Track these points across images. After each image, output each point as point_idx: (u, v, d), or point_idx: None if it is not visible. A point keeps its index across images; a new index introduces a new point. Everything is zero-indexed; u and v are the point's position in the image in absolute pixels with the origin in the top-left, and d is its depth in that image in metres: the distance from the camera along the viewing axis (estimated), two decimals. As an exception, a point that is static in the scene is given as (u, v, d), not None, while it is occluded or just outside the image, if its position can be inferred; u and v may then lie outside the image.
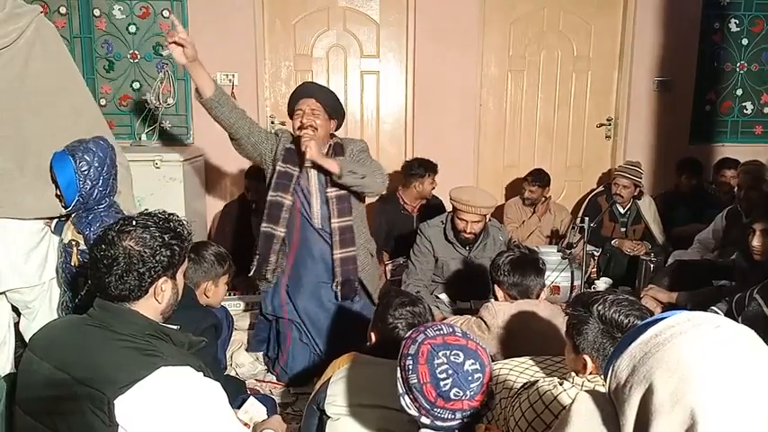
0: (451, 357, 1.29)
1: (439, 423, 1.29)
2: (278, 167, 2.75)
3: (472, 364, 1.29)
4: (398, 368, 1.35)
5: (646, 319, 1.45)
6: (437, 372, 1.27)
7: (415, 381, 1.29)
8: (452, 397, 1.26)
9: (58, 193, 2.28)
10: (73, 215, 2.31)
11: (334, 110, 2.81)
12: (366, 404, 1.74)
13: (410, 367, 1.31)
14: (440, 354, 1.29)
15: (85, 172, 2.22)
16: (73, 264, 2.28)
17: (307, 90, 2.82)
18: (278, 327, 2.94)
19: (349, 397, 1.76)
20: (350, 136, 4.66)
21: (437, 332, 1.35)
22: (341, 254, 2.77)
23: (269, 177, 2.82)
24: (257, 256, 2.80)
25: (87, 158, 2.23)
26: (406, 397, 1.32)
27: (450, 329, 1.37)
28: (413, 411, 1.32)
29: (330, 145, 2.81)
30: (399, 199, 4.14)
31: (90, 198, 2.24)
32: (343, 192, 2.77)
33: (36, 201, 2.31)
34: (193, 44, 2.46)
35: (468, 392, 1.27)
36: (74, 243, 2.28)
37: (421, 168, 4.05)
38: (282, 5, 4.49)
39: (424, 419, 1.30)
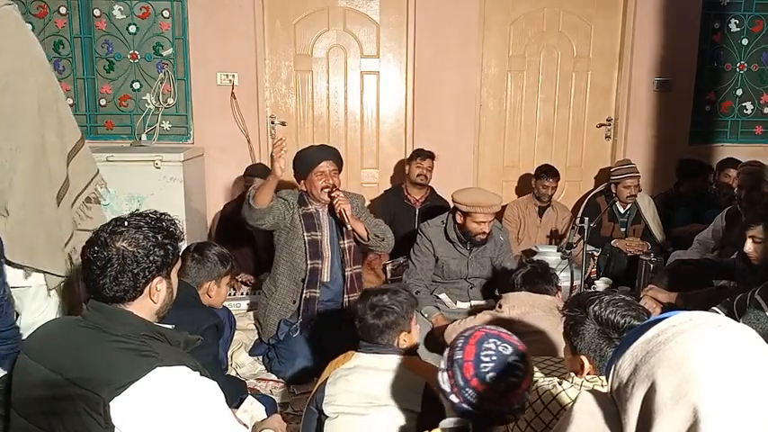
0: (500, 347, 1.34)
1: (465, 406, 1.32)
2: (306, 238, 2.91)
3: (517, 360, 1.33)
4: (448, 348, 1.40)
5: (642, 319, 1.46)
6: (482, 353, 1.33)
7: (459, 357, 1.34)
8: (487, 380, 1.29)
9: None
10: None
11: (341, 166, 3.03)
12: (363, 403, 1.75)
13: (459, 345, 1.37)
14: (491, 340, 1.35)
15: None
16: None
17: (326, 152, 3.02)
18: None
19: (346, 396, 1.76)
20: (350, 137, 4.69)
21: (496, 328, 1.42)
22: (351, 298, 2.97)
23: (284, 241, 2.97)
24: (304, 293, 2.92)
25: None
26: (445, 373, 1.37)
27: (509, 332, 1.42)
28: (446, 386, 1.35)
29: None
30: (403, 190, 4.25)
31: None
32: (353, 243, 3.02)
33: None
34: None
35: (502, 384, 1.30)
36: None
37: (411, 156, 4.27)
38: (282, 5, 4.49)
39: (453, 398, 1.33)
